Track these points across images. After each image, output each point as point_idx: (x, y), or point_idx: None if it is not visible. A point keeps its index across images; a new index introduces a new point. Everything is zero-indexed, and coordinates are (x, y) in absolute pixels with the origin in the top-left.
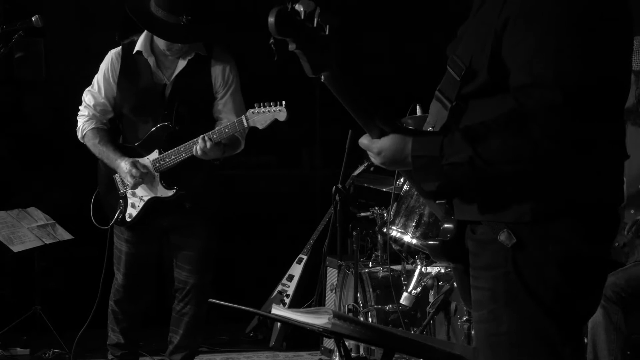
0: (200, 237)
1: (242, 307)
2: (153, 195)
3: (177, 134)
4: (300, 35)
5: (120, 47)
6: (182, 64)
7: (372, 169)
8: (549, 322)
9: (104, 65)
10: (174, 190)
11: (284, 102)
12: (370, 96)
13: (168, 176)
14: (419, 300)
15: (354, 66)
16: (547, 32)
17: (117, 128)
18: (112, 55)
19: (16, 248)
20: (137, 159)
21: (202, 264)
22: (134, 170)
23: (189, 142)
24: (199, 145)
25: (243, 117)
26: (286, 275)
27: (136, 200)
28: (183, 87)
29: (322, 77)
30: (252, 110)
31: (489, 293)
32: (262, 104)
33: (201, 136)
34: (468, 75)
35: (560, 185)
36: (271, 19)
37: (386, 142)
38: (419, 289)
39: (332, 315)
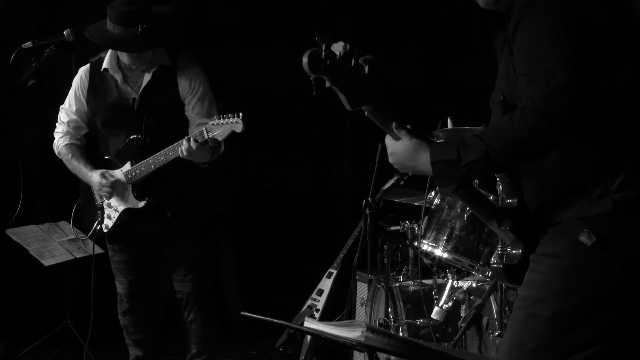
0: (186, 245)
1: (274, 320)
2: (126, 206)
3: (147, 146)
4: (335, 74)
5: (88, 64)
6: (147, 77)
7: (402, 183)
8: (592, 321)
9: (75, 83)
10: (145, 201)
11: (241, 114)
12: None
13: (140, 187)
14: (450, 314)
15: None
16: (539, 37)
17: (95, 141)
18: (82, 73)
19: (47, 262)
20: (108, 170)
21: (195, 270)
22: (103, 181)
23: (157, 154)
24: (184, 147)
25: (203, 128)
26: (316, 290)
27: (111, 212)
28: (151, 99)
29: (365, 110)
30: (211, 122)
31: (543, 277)
32: (222, 116)
33: (186, 137)
34: (507, 108)
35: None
36: (304, 60)
37: (399, 146)
38: (450, 304)
39: (365, 329)
